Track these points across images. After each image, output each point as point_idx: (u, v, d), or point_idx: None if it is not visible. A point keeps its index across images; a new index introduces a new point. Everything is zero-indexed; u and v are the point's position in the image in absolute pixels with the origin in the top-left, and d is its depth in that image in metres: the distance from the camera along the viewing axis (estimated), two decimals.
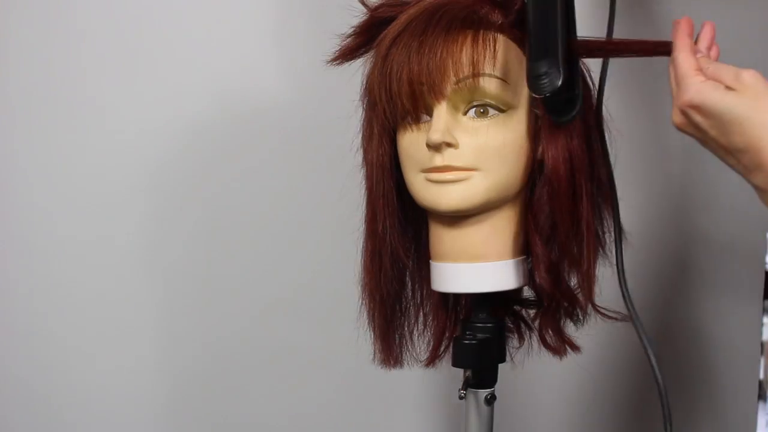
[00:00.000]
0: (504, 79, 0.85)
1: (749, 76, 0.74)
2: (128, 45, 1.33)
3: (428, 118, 0.87)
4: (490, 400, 0.97)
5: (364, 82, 0.94)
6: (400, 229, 0.95)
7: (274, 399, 1.41)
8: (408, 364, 1.02)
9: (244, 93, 1.34)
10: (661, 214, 1.32)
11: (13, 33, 1.33)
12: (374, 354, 1.01)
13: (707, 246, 1.30)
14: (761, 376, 0.94)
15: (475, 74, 0.84)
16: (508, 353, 1.00)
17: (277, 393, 1.41)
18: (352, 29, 0.94)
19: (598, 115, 0.91)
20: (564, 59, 0.80)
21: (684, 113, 0.77)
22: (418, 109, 0.87)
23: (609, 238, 0.94)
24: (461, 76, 0.84)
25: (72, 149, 1.35)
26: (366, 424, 1.43)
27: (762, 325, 0.96)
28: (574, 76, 0.84)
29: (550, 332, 0.95)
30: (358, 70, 0.95)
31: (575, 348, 0.97)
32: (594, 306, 0.93)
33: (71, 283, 1.38)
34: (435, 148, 0.85)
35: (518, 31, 0.87)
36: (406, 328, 1.01)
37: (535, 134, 0.88)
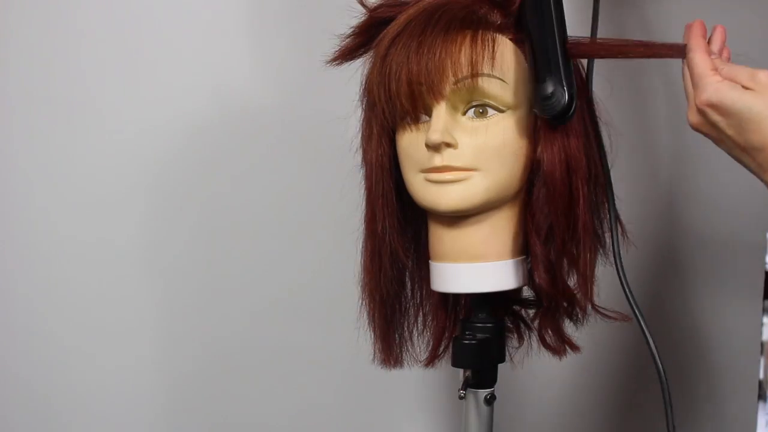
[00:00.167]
0: (503, 79, 0.85)
1: (765, 76, 0.76)
2: (128, 45, 1.33)
3: (427, 118, 0.87)
4: (490, 400, 0.97)
5: (363, 83, 0.94)
6: (399, 229, 0.95)
7: (274, 399, 1.41)
8: (408, 364, 1.02)
9: (244, 93, 1.34)
10: (661, 214, 1.32)
11: (13, 33, 1.33)
12: (374, 354, 1.01)
13: (707, 246, 1.30)
14: (761, 376, 0.94)
15: (474, 74, 0.84)
16: (507, 353, 1.00)
17: (277, 393, 1.41)
18: (352, 29, 0.94)
19: (592, 115, 0.92)
20: (566, 75, 0.81)
21: (702, 112, 0.79)
22: (417, 110, 0.87)
23: (608, 239, 0.94)
24: (460, 76, 0.84)
25: (72, 149, 1.35)
26: (366, 424, 1.43)
27: (762, 325, 0.96)
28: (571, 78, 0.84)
29: (550, 332, 0.95)
30: (357, 70, 0.95)
31: (575, 348, 0.97)
32: (594, 306, 0.93)
33: (71, 283, 1.38)
34: (434, 148, 0.85)
35: (517, 31, 0.87)
36: (405, 328, 1.01)
37: (534, 134, 0.88)
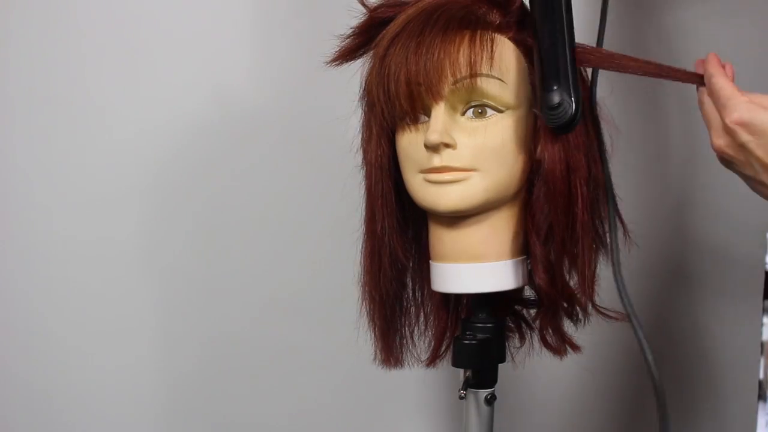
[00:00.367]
0: (501, 79, 0.85)
1: None
2: (128, 45, 1.33)
3: (426, 118, 0.87)
4: (490, 400, 0.96)
5: (363, 83, 0.94)
6: (398, 230, 0.95)
7: (274, 399, 1.41)
8: (409, 364, 1.02)
9: (244, 93, 1.34)
10: (661, 214, 1.32)
11: (13, 33, 1.33)
12: (375, 354, 1.01)
13: (707, 246, 1.30)
14: (761, 376, 0.94)
15: (473, 74, 0.84)
16: (509, 353, 1.00)
17: (277, 393, 1.41)
18: (352, 30, 0.94)
19: (593, 114, 0.91)
20: (574, 85, 0.80)
21: (731, 132, 0.79)
22: (416, 110, 0.87)
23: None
24: (458, 76, 0.84)
25: (72, 149, 1.35)
26: (366, 424, 1.43)
27: (762, 325, 0.96)
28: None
29: (551, 332, 0.95)
30: (358, 70, 0.95)
31: (576, 348, 0.97)
32: (594, 306, 0.93)
33: (71, 283, 1.38)
34: (433, 148, 0.84)
35: (517, 31, 0.87)
36: (406, 328, 1.01)
37: (533, 134, 0.88)
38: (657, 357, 0.84)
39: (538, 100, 0.82)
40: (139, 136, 1.34)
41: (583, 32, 0.88)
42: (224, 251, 1.38)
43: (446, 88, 0.84)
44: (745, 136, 0.78)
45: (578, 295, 0.91)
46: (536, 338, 0.98)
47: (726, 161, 0.83)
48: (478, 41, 0.84)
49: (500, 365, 0.97)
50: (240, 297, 1.38)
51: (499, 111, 0.86)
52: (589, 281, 0.90)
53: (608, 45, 0.90)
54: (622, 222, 0.93)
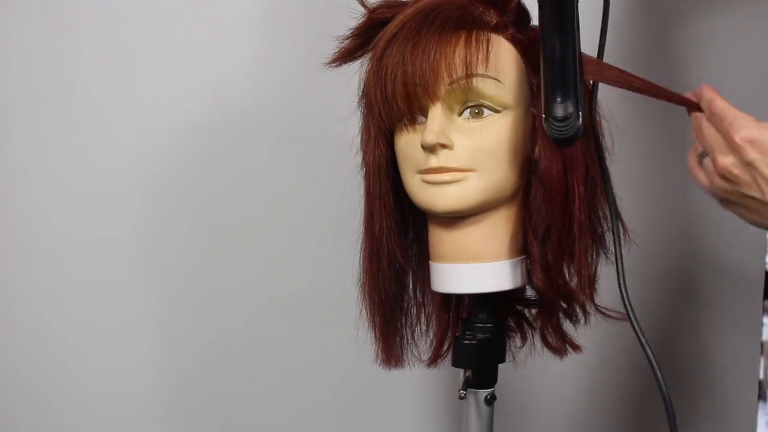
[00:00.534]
0: (498, 79, 0.85)
1: None
2: (128, 45, 1.33)
3: (424, 119, 0.86)
4: (490, 400, 0.96)
5: (361, 84, 0.94)
6: (397, 231, 0.95)
7: (274, 399, 1.41)
8: (409, 364, 1.02)
9: (244, 94, 1.34)
10: (661, 214, 1.32)
11: (13, 33, 1.33)
12: (376, 354, 1.01)
13: (707, 245, 1.30)
14: (761, 376, 0.95)
15: (469, 75, 0.84)
16: (510, 353, 0.99)
17: (277, 393, 1.41)
18: (350, 31, 0.94)
19: (591, 116, 0.91)
20: (581, 98, 0.79)
21: (739, 150, 0.78)
22: (413, 111, 0.87)
23: (609, 238, 0.94)
24: (455, 77, 0.84)
25: (72, 149, 1.35)
26: (366, 424, 1.43)
27: (762, 325, 0.96)
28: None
29: (551, 332, 0.95)
30: (358, 71, 0.95)
31: (576, 348, 0.97)
32: (594, 306, 0.93)
33: (71, 283, 1.38)
34: (430, 149, 0.84)
35: (513, 31, 0.87)
36: (407, 329, 1.01)
37: (531, 134, 0.88)
38: (655, 356, 0.84)
39: (543, 109, 0.81)
40: (139, 136, 1.34)
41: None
42: (224, 251, 1.38)
43: (442, 89, 0.84)
44: (753, 154, 0.78)
45: (577, 295, 0.91)
46: (537, 338, 0.98)
47: (724, 192, 0.82)
48: (473, 41, 0.84)
49: (500, 365, 0.97)
50: (240, 297, 1.38)
51: (496, 111, 0.86)
52: (587, 281, 0.90)
53: (607, 56, 0.90)
54: (621, 222, 0.93)
